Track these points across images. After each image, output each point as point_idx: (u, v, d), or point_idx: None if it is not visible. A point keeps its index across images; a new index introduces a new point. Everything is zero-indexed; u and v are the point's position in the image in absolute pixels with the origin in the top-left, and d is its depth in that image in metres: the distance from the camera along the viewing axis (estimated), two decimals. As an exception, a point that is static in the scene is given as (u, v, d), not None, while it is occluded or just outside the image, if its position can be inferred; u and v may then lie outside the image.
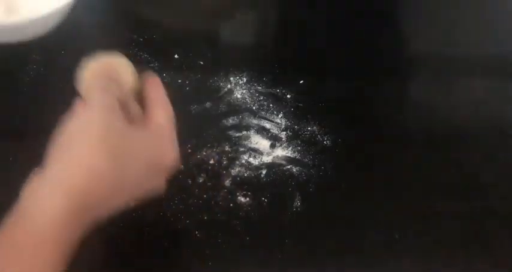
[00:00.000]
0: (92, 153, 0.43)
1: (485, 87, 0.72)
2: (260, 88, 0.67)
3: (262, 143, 0.63)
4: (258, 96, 0.66)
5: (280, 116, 0.65)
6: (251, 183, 0.60)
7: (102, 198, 0.43)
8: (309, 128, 0.65)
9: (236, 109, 0.65)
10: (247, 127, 0.64)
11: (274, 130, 0.64)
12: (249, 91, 0.66)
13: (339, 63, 0.71)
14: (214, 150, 0.62)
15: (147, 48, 0.66)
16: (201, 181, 0.59)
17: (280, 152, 0.63)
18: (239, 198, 0.59)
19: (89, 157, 0.43)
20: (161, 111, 0.48)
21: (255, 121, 0.64)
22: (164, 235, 0.56)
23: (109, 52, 0.50)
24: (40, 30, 0.59)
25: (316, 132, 0.64)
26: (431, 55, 0.74)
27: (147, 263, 0.55)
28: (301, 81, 0.68)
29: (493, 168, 0.65)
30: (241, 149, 0.62)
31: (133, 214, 0.57)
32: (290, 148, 0.63)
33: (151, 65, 0.66)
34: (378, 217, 0.60)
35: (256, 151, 0.62)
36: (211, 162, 0.61)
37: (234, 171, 0.61)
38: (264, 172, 0.61)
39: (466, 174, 0.64)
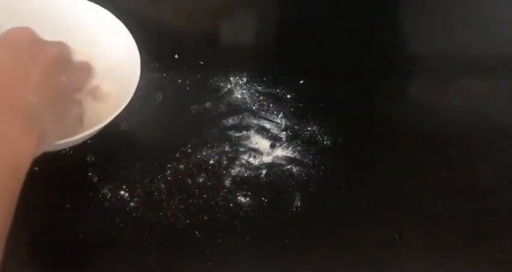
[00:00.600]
0: None
1: (485, 87, 0.72)
2: (260, 88, 0.67)
3: (262, 143, 0.63)
4: (258, 96, 0.66)
5: (280, 116, 0.65)
6: (251, 183, 0.60)
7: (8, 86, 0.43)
8: (309, 128, 0.65)
9: (236, 109, 0.65)
10: (247, 127, 0.64)
11: (274, 130, 0.64)
12: (249, 91, 0.66)
13: (339, 63, 0.71)
14: (214, 150, 0.62)
15: (147, 48, 0.66)
16: (201, 181, 0.59)
17: (280, 152, 0.63)
18: (239, 198, 0.59)
19: None
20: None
21: (255, 121, 0.64)
22: (164, 235, 0.56)
23: None
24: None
25: (316, 132, 0.64)
26: (431, 55, 0.74)
27: (147, 264, 0.55)
28: (301, 81, 0.68)
29: (493, 169, 0.65)
30: (241, 149, 0.62)
31: (134, 214, 0.57)
32: (290, 148, 0.63)
33: (151, 65, 0.66)
34: (378, 217, 0.60)
35: (256, 151, 0.62)
36: (211, 162, 0.61)
37: (234, 171, 0.61)
38: (264, 172, 0.61)
39: (465, 174, 0.65)
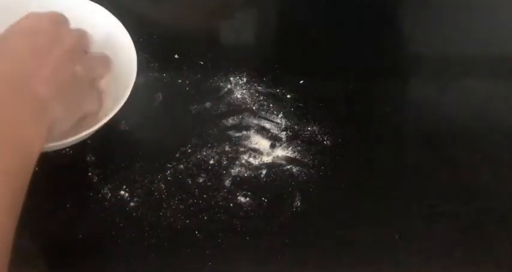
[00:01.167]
0: (16, 40, 0.46)
1: (485, 87, 0.72)
2: (260, 88, 0.67)
3: (262, 143, 0.63)
4: (258, 96, 0.66)
5: (280, 116, 0.65)
6: (251, 183, 0.60)
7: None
8: (309, 128, 0.65)
9: (236, 109, 0.65)
10: (247, 127, 0.64)
11: (274, 130, 0.64)
12: (249, 91, 0.66)
13: (339, 63, 0.71)
14: (214, 150, 0.62)
15: (147, 48, 0.66)
16: (201, 181, 0.59)
17: (280, 152, 0.63)
18: (239, 198, 0.59)
19: (13, 43, 0.46)
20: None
21: (255, 121, 0.64)
22: (164, 235, 0.56)
23: None
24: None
25: (316, 132, 0.64)
26: (431, 55, 0.74)
27: (147, 264, 0.55)
28: (301, 81, 0.68)
29: (493, 168, 0.65)
30: (241, 149, 0.62)
31: (133, 214, 0.57)
32: (290, 148, 0.63)
33: (151, 64, 0.66)
34: (378, 217, 0.60)
35: (256, 151, 0.62)
36: (211, 162, 0.61)
37: (234, 171, 0.61)
38: (264, 172, 0.61)
39: (465, 174, 0.65)
